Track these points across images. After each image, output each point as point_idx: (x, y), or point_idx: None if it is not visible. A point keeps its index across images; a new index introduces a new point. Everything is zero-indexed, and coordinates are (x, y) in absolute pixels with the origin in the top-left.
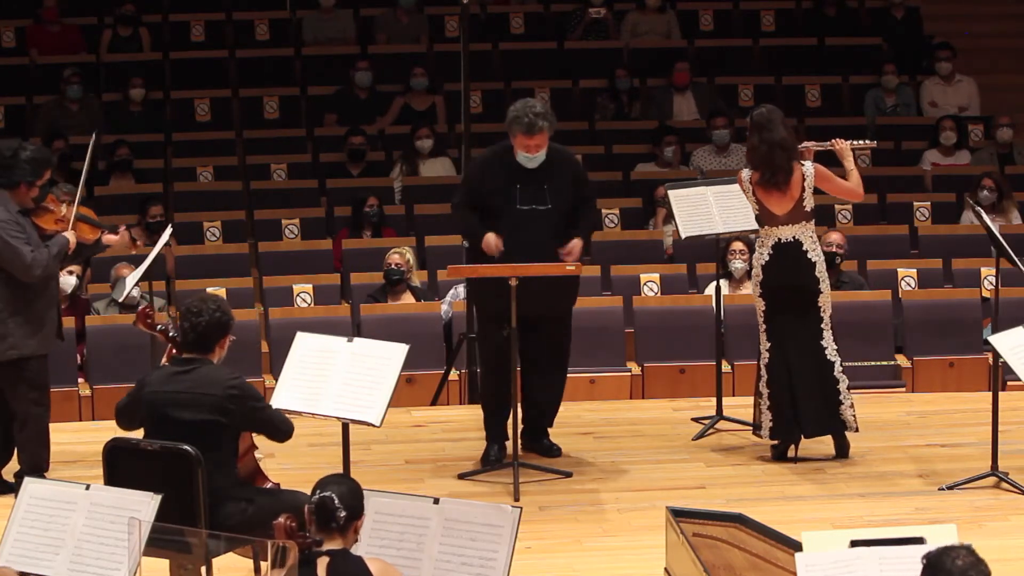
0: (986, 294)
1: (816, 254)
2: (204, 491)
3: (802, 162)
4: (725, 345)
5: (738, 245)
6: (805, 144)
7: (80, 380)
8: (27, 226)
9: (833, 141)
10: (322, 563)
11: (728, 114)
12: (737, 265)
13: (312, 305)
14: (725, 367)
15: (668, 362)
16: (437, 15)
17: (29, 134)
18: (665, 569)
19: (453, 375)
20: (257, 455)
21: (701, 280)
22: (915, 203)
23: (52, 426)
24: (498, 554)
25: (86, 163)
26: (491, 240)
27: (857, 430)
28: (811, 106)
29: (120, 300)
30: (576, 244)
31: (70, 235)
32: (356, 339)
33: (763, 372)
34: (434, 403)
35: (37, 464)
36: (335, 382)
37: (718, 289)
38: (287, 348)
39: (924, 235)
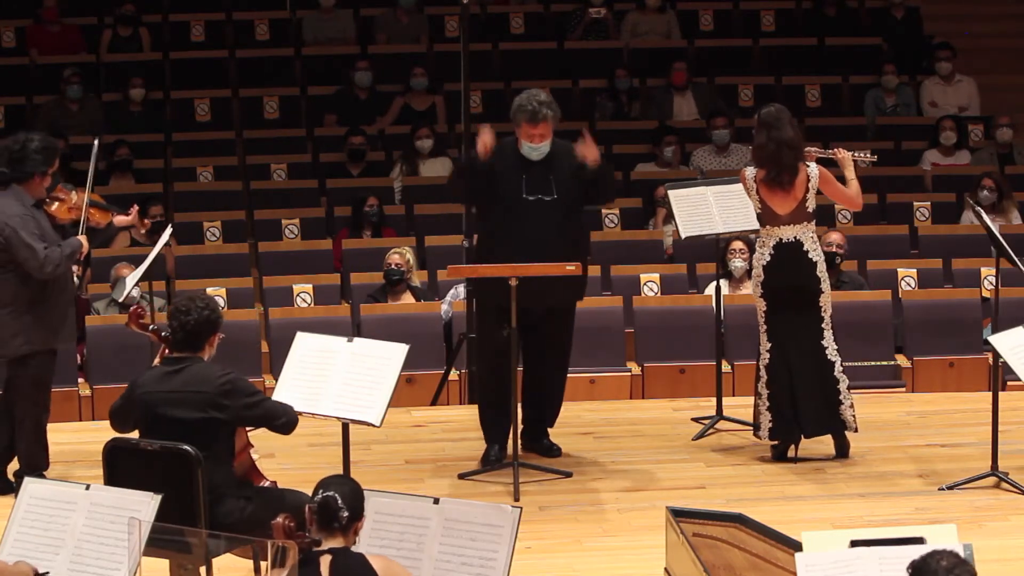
0: (986, 294)
1: (817, 254)
2: (204, 491)
3: (807, 163)
4: (725, 345)
5: (738, 244)
6: (807, 149)
7: (80, 380)
8: (41, 220)
9: (836, 150)
10: (324, 561)
11: (728, 114)
12: (737, 264)
13: (312, 305)
14: (725, 367)
15: (668, 362)
16: (437, 15)
17: None
18: (665, 569)
19: (453, 375)
20: (253, 454)
21: (701, 280)
22: (915, 203)
23: (52, 426)
24: (498, 554)
25: (91, 166)
26: (485, 136)
27: (857, 430)
28: (811, 106)
29: (120, 300)
30: (593, 148)
31: (83, 239)
32: (356, 339)
33: (763, 372)
34: (434, 403)
35: (35, 464)
36: (335, 382)
37: (718, 289)
38: (287, 348)
39: (924, 235)
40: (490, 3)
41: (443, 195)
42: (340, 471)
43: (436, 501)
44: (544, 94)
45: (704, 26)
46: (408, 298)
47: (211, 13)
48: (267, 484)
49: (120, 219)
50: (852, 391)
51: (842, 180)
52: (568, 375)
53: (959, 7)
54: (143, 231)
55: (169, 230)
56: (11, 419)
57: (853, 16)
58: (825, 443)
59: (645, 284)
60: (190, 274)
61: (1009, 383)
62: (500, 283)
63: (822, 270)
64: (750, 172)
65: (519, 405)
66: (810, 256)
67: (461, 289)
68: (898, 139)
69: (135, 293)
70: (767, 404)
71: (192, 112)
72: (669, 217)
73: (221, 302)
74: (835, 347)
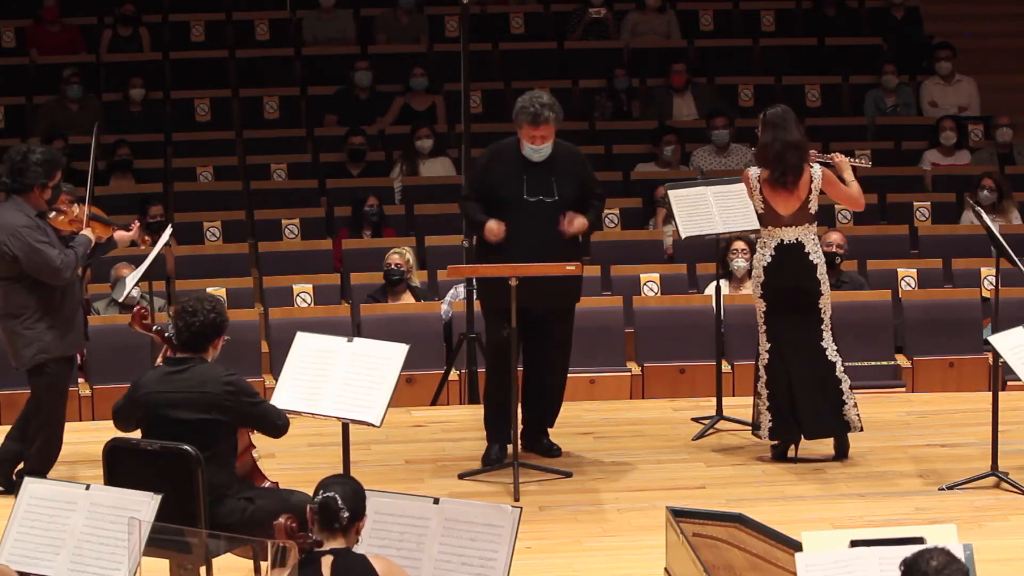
0: (986, 294)
1: (818, 256)
2: (204, 491)
3: (811, 164)
4: (725, 345)
5: (739, 244)
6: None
7: (80, 380)
8: (48, 229)
9: (833, 155)
10: (326, 561)
11: (728, 114)
12: (739, 264)
13: (312, 305)
14: (725, 367)
15: (668, 362)
16: (437, 15)
17: (29, 134)
18: (665, 569)
19: (453, 375)
20: (255, 454)
21: (701, 280)
22: (915, 203)
23: None
24: (498, 554)
25: (91, 162)
26: (492, 226)
27: (862, 430)
28: (811, 106)
29: (120, 300)
30: (580, 218)
31: (88, 232)
32: (356, 339)
33: (762, 373)
34: (434, 403)
35: (39, 471)
36: (335, 382)
37: (718, 289)
38: (287, 348)
39: (924, 235)
40: (490, 3)
41: (443, 195)
42: (340, 471)
43: (436, 501)
44: (547, 96)
45: (704, 26)
46: (408, 298)
47: (211, 13)
48: (269, 485)
49: (121, 235)
50: (852, 391)
51: (842, 182)
52: (568, 375)
53: (959, 7)
54: (143, 245)
55: (169, 230)
56: (25, 432)
57: (853, 16)
58: (825, 443)
59: (645, 284)
60: (190, 274)
61: (1009, 383)
62: (501, 284)
63: (822, 272)
64: (753, 172)
65: (519, 405)
66: (811, 258)
67: (461, 289)
68: (898, 139)
69: (135, 293)
70: (767, 404)
71: (192, 112)
72: (669, 217)
73: None
74: (835, 348)
